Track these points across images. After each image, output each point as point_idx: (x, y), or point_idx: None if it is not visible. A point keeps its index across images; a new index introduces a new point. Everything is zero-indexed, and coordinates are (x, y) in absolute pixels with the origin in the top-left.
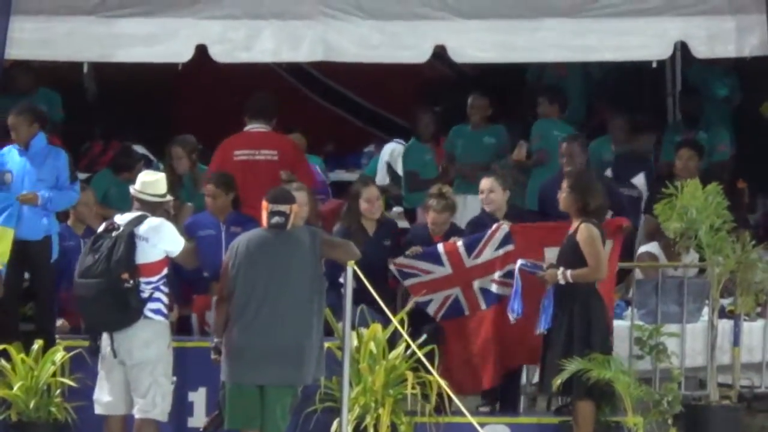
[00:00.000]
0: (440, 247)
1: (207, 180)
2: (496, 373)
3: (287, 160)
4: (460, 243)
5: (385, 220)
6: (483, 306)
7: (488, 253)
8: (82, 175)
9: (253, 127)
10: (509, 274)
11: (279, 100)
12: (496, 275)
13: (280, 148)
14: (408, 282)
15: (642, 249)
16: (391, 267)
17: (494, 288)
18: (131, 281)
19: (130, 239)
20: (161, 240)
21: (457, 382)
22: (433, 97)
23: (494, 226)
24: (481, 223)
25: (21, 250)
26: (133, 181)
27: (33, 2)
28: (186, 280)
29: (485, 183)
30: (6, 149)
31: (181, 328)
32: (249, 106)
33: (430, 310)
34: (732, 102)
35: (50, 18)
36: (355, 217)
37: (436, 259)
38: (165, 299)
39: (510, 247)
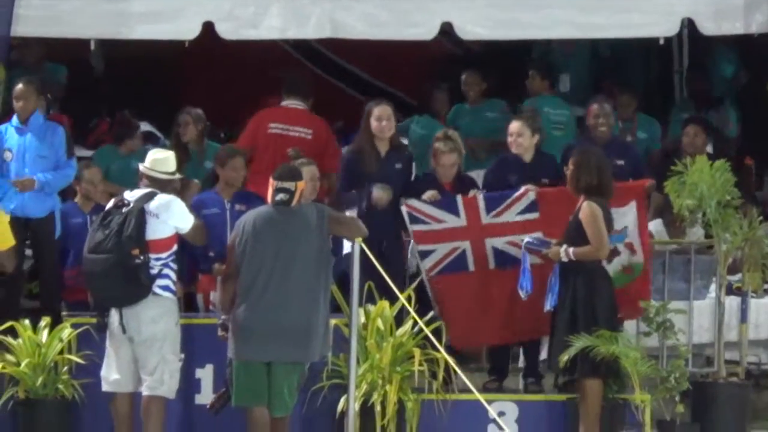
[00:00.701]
0: (459, 197)
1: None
2: (499, 334)
3: (320, 141)
4: (480, 197)
5: (399, 143)
6: (491, 265)
7: (509, 216)
8: (87, 152)
9: (290, 103)
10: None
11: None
12: (514, 238)
13: (315, 128)
14: (415, 227)
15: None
16: (402, 208)
17: (510, 250)
18: (141, 257)
19: (140, 215)
20: (171, 216)
21: (455, 336)
22: (440, 74)
23: (521, 190)
24: (506, 165)
25: (24, 227)
26: (135, 153)
27: None
28: (191, 258)
29: (514, 126)
30: (2, 127)
31: (186, 305)
32: (287, 81)
33: (429, 261)
34: (739, 80)
35: None
36: (367, 137)
37: (452, 208)
38: (174, 276)
39: (534, 215)
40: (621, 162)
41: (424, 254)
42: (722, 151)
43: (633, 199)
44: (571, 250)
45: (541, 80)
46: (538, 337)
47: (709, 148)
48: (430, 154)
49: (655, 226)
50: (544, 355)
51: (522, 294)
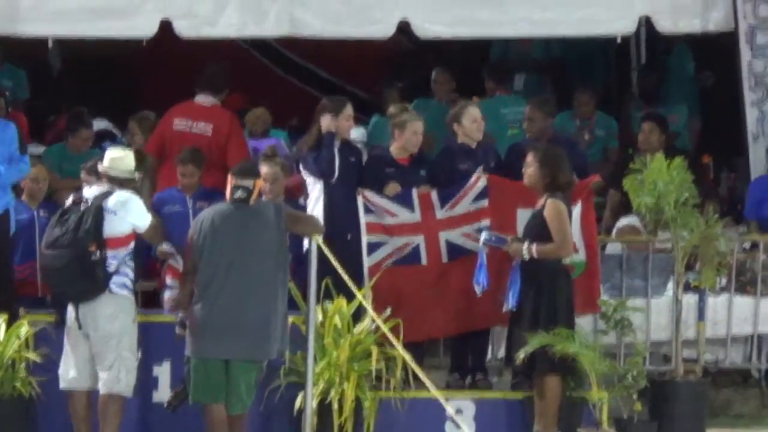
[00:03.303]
0: (414, 191)
1: (178, 159)
2: (451, 325)
3: (220, 137)
4: (434, 192)
5: (353, 139)
6: (445, 259)
7: (463, 206)
8: (39, 149)
9: (199, 98)
10: (478, 230)
11: (244, 75)
12: (466, 229)
13: (216, 123)
14: (368, 218)
15: (623, 221)
16: (359, 197)
17: (461, 242)
18: (98, 253)
19: (98, 212)
20: (129, 213)
21: (408, 329)
22: (397, 72)
23: (473, 177)
24: (453, 153)
25: None
26: (86, 153)
27: None
28: (150, 255)
29: (477, 112)
30: None
31: (144, 302)
32: (199, 77)
33: (381, 253)
34: (704, 79)
35: None
36: (318, 130)
37: (407, 202)
38: (131, 273)
39: (484, 203)
40: None
41: (374, 246)
42: (667, 146)
43: (578, 198)
44: (534, 247)
45: (495, 84)
46: (488, 326)
47: None
48: (389, 132)
49: (633, 221)
50: (501, 352)
51: (477, 289)
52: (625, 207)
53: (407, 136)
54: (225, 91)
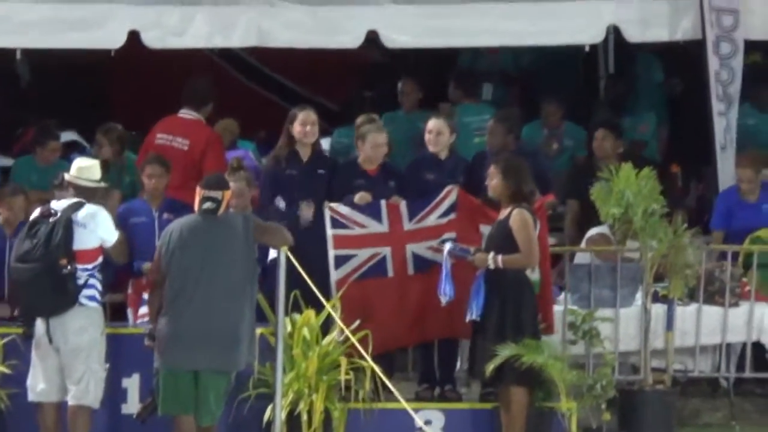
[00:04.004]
0: (383, 203)
1: (145, 161)
2: (415, 336)
3: (195, 152)
4: (403, 203)
5: (321, 149)
6: (410, 271)
7: (431, 219)
8: (8, 161)
9: (182, 112)
10: (443, 242)
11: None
12: (433, 242)
13: (192, 139)
14: (336, 231)
15: (594, 231)
16: (326, 211)
17: (428, 255)
18: (69, 267)
19: (68, 225)
20: (98, 226)
21: (374, 341)
22: (365, 82)
23: (444, 191)
24: (422, 163)
25: None
26: (54, 165)
27: None
28: (118, 267)
29: (432, 124)
30: None
31: (113, 314)
32: (183, 90)
33: (348, 267)
34: (673, 87)
35: None
36: (288, 142)
37: (375, 213)
38: (99, 286)
39: (452, 216)
40: None
41: (342, 260)
42: (630, 155)
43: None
44: (500, 257)
45: (462, 92)
46: (453, 336)
47: None
48: (354, 143)
49: (604, 230)
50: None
51: (443, 300)
52: (585, 216)
53: (367, 148)
54: (208, 105)
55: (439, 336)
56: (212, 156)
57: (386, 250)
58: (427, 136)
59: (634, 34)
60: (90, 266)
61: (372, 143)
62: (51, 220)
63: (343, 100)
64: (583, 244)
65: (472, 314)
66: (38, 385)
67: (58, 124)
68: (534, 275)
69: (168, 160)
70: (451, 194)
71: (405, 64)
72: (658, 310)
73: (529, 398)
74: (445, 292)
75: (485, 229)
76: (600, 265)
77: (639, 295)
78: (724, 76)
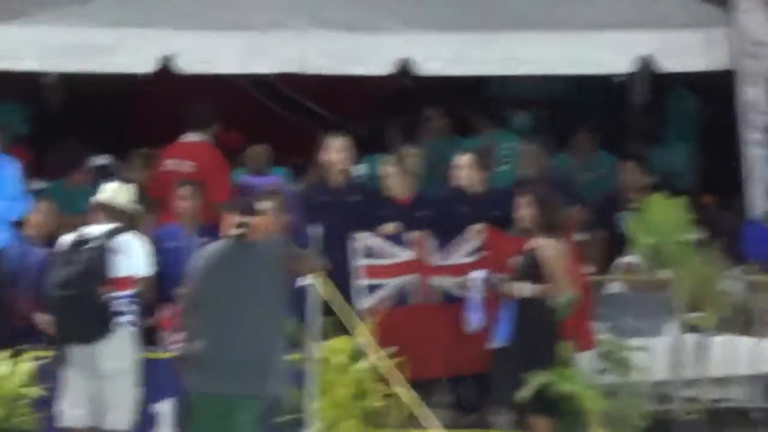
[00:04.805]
0: (411, 235)
1: (177, 185)
2: (445, 367)
3: (202, 173)
4: (432, 239)
5: (353, 176)
6: (436, 300)
7: (458, 257)
8: (40, 184)
9: (187, 136)
10: (472, 280)
11: (243, 113)
12: (459, 279)
13: (199, 161)
14: (363, 262)
15: (624, 260)
16: (355, 243)
17: (453, 290)
18: (107, 294)
19: (106, 252)
20: (134, 255)
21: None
22: (393, 109)
23: (472, 230)
24: (457, 196)
25: None
26: (82, 188)
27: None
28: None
29: (460, 160)
30: None
31: (146, 339)
32: (186, 115)
33: (377, 295)
34: (705, 117)
35: (13, 27)
36: (320, 169)
37: (403, 244)
38: (133, 312)
39: (481, 254)
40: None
41: (371, 289)
42: (662, 185)
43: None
44: (529, 287)
45: (488, 121)
46: (480, 370)
47: None
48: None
49: (633, 260)
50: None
51: (471, 328)
52: (613, 247)
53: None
54: (213, 126)
55: (469, 371)
56: (216, 176)
57: (413, 278)
58: (455, 171)
59: (666, 64)
60: (127, 292)
61: (394, 186)
62: (88, 246)
63: (371, 127)
64: (613, 273)
65: (497, 341)
66: (70, 410)
67: (89, 148)
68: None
69: (194, 182)
70: (479, 234)
71: (433, 91)
72: (691, 339)
73: (554, 428)
74: (474, 320)
75: (515, 259)
76: (632, 294)
77: (671, 325)
78: (756, 105)
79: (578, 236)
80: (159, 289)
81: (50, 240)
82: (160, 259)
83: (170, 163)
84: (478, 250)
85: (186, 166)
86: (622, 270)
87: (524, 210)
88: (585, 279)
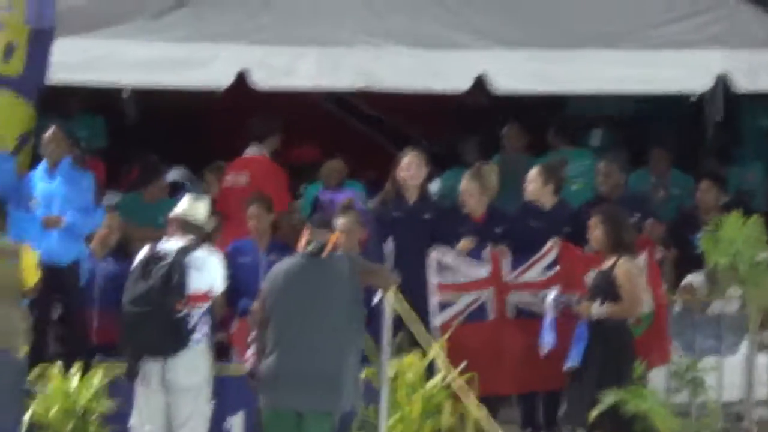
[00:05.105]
0: (486, 251)
1: (248, 202)
2: (515, 385)
3: (254, 184)
4: (507, 255)
5: (428, 193)
6: (510, 315)
7: (533, 274)
8: (116, 197)
9: (246, 151)
10: (547, 300)
11: (319, 127)
12: (535, 298)
13: (252, 172)
14: (439, 279)
15: (687, 279)
16: (430, 259)
17: (529, 306)
18: (184, 310)
19: (183, 267)
20: (211, 271)
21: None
22: (469, 125)
23: (546, 247)
24: (528, 211)
25: (51, 275)
26: (158, 202)
27: (74, 24)
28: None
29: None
30: (34, 172)
31: (218, 353)
32: (247, 130)
33: (451, 311)
34: None
35: (90, 41)
36: (395, 184)
37: (479, 261)
38: (208, 326)
39: (555, 270)
40: (637, 215)
41: (445, 306)
42: (737, 204)
43: (643, 249)
44: (604, 307)
45: (563, 138)
46: (552, 388)
47: None
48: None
49: (695, 279)
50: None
51: (544, 349)
52: (686, 266)
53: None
54: (271, 138)
55: (539, 389)
56: (273, 187)
57: (487, 294)
58: (526, 186)
59: (742, 83)
60: (203, 307)
61: (469, 203)
62: (165, 261)
63: (448, 144)
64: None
65: (573, 362)
66: (142, 425)
67: (165, 162)
68: (645, 308)
69: (263, 199)
70: (552, 250)
71: (510, 109)
72: (763, 359)
73: None
74: (547, 341)
75: (588, 278)
76: (700, 314)
77: (744, 344)
78: None
79: (657, 252)
80: (231, 304)
81: (116, 253)
82: (233, 274)
83: (230, 178)
84: (553, 265)
85: (242, 179)
86: (681, 289)
87: (595, 230)
88: (663, 296)
